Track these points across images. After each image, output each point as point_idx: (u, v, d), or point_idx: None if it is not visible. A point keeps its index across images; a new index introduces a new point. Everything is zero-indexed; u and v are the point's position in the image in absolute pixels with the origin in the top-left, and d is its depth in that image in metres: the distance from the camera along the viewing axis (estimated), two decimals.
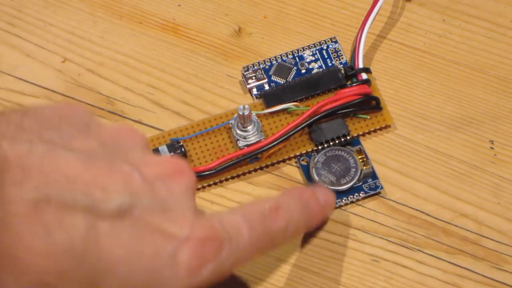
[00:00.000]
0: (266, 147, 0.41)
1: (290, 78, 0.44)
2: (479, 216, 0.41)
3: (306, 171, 0.42)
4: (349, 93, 0.43)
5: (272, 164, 0.43)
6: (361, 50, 0.44)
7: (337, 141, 0.42)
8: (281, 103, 0.43)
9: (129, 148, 0.32)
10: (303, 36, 0.46)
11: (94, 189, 0.28)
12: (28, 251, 0.27)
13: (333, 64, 0.45)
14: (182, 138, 0.43)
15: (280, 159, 0.42)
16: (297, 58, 0.45)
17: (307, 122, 0.42)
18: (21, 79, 0.45)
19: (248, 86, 0.44)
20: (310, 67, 0.45)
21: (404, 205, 0.41)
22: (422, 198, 0.42)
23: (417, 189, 0.42)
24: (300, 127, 0.42)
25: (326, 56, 0.45)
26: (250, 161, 0.42)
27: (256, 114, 0.43)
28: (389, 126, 0.43)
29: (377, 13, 0.44)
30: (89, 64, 0.46)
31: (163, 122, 0.44)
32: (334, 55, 0.45)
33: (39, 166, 0.27)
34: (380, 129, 0.43)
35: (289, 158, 0.42)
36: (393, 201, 0.42)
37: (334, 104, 0.42)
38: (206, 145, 0.43)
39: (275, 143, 0.41)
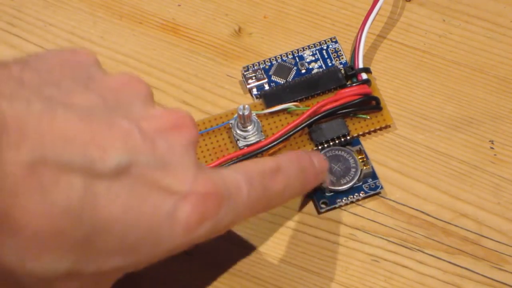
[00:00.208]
0: (266, 147, 0.41)
1: (290, 78, 0.44)
2: (479, 216, 0.41)
3: None
4: (349, 93, 0.43)
5: None
6: (361, 50, 0.44)
7: (337, 141, 0.42)
8: (281, 103, 0.43)
9: (131, 100, 0.31)
10: (303, 36, 0.46)
11: (92, 148, 0.28)
12: (25, 212, 0.27)
13: (333, 64, 0.45)
14: None
15: None
16: (297, 58, 0.45)
17: (307, 122, 0.42)
18: None
19: (248, 86, 0.44)
20: (310, 67, 0.45)
21: (404, 205, 0.41)
22: (422, 198, 0.42)
23: (417, 189, 0.42)
24: (300, 127, 0.42)
25: (326, 56, 0.45)
26: None
27: (256, 114, 0.43)
28: (389, 126, 0.43)
29: (377, 13, 0.44)
30: None
31: None
32: (334, 55, 0.45)
33: (36, 126, 0.27)
34: (380, 129, 0.43)
35: None
36: (393, 201, 0.42)
37: (334, 104, 0.42)
38: (206, 145, 0.43)
39: (275, 143, 0.41)
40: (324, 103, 0.42)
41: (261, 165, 0.35)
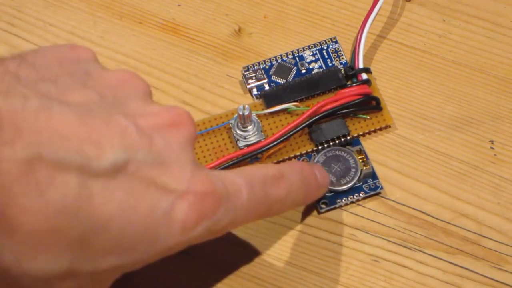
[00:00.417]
0: (266, 147, 0.41)
1: (290, 78, 0.44)
2: (479, 216, 0.41)
3: None
4: (349, 93, 0.43)
5: None
6: (361, 50, 0.44)
7: (337, 141, 0.42)
8: (281, 103, 0.43)
9: (128, 97, 0.31)
10: (303, 36, 0.46)
11: (88, 145, 0.28)
12: (20, 210, 0.26)
13: (333, 64, 0.45)
14: None
15: (280, 159, 0.42)
16: (297, 58, 0.45)
17: (307, 122, 0.42)
18: None
19: (248, 86, 0.44)
20: (310, 67, 0.45)
21: (404, 205, 0.41)
22: (422, 198, 0.42)
23: (417, 189, 0.42)
24: (300, 127, 0.42)
25: (326, 56, 0.45)
26: (250, 161, 0.42)
27: (256, 114, 0.43)
28: (389, 126, 0.43)
29: (377, 13, 0.44)
30: None
31: None
32: (334, 55, 0.45)
33: (32, 123, 0.27)
34: (380, 129, 0.43)
35: (289, 159, 0.42)
36: (393, 201, 0.42)
37: (334, 104, 0.42)
38: (206, 145, 0.43)
39: (275, 143, 0.41)
40: (324, 103, 0.42)
41: (263, 171, 0.34)
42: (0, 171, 0.26)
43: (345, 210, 0.41)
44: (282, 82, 0.44)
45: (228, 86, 0.45)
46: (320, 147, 0.42)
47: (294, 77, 0.44)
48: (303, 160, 0.42)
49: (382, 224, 0.41)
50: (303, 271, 0.40)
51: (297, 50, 0.45)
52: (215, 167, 0.41)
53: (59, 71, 0.30)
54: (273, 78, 0.44)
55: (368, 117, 0.43)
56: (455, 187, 0.42)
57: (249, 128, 0.42)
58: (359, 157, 0.42)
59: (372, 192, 0.41)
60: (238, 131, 0.42)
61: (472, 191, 0.42)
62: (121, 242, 0.29)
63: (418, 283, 0.40)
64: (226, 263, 0.40)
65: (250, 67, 0.45)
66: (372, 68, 0.44)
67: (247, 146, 0.42)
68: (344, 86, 0.44)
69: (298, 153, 0.42)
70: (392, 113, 0.43)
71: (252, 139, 0.42)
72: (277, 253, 0.40)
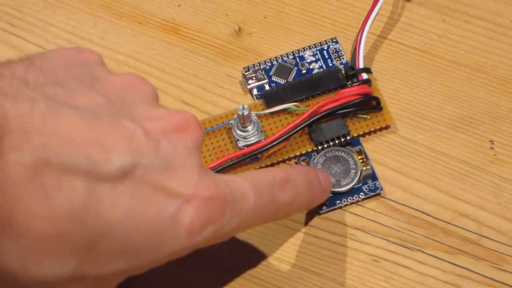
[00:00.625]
0: (266, 147, 0.41)
1: (290, 78, 0.44)
2: (479, 216, 0.41)
3: None
4: (349, 93, 0.43)
5: (272, 165, 0.42)
6: (361, 50, 0.44)
7: (337, 141, 0.42)
8: (281, 103, 0.43)
9: (135, 101, 0.31)
10: (303, 36, 0.46)
11: (95, 150, 0.28)
12: (28, 215, 0.26)
13: (333, 65, 0.45)
14: None
15: (280, 159, 0.42)
16: (297, 59, 0.45)
17: (307, 122, 0.42)
18: None
19: (248, 87, 0.44)
20: (311, 67, 0.45)
21: (404, 205, 0.41)
22: (422, 198, 0.42)
23: (417, 189, 0.42)
24: (300, 127, 0.42)
25: (326, 57, 0.45)
26: (250, 161, 0.42)
27: (256, 114, 0.43)
28: (389, 127, 0.43)
29: (377, 13, 0.44)
30: None
31: None
32: (335, 55, 0.45)
33: (39, 127, 0.27)
34: (380, 129, 0.43)
35: (289, 159, 0.42)
36: (393, 201, 0.42)
37: (334, 104, 0.42)
38: (206, 145, 0.43)
39: (275, 143, 0.41)
40: (324, 103, 0.42)
41: (270, 175, 0.34)
42: (7, 176, 0.26)
43: (345, 210, 0.41)
44: (283, 83, 0.44)
45: (228, 86, 0.45)
46: (320, 147, 0.42)
47: (294, 77, 0.44)
48: (302, 160, 0.42)
49: (382, 224, 0.41)
50: (303, 271, 0.40)
51: (298, 50, 0.45)
52: (215, 167, 0.41)
53: (66, 74, 0.30)
54: (274, 78, 0.44)
55: (368, 117, 0.43)
56: (455, 187, 0.42)
57: (249, 128, 0.42)
58: (359, 157, 0.42)
59: (371, 193, 0.41)
60: (238, 131, 0.42)
61: (472, 191, 0.42)
62: (127, 246, 0.29)
63: (418, 283, 0.40)
64: (226, 263, 0.40)
65: (251, 67, 0.45)
66: (372, 68, 0.44)
67: (247, 146, 0.42)
68: (344, 86, 0.44)
69: (298, 153, 0.42)
70: (392, 113, 0.43)
71: (252, 139, 0.42)
72: (277, 253, 0.40)
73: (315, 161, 0.42)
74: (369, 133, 0.43)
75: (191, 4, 0.47)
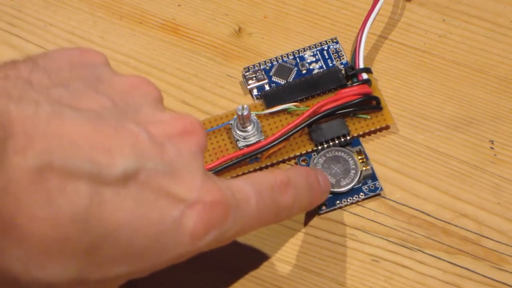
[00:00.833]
0: (266, 147, 0.41)
1: (290, 78, 0.44)
2: (479, 216, 0.41)
3: None
4: (349, 93, 0.43)
5: (272, 165, 0.43)
6: (361, 50, 0.44)
7: (337, 141, 0.42)
8: (281, 104, 0.43)
9: (140, 103, 0.31)
10: (303, 36, 0.46)
11: (99, 153, 0.28)
12: (30, 219, 0.26)
13: (334, 65, 0.45)
14: None
15: (280, 159, 0.42)
16: (297, 59, 0.45)
17: (307, 122, 0.42)
18: None
19: (248, 87, 0.44)
20: (311, 67, 0.45)
21: (404, 205, 0.41)
22: (422, 198, 0.42)
23: (417, 189, 0.42)
24: (300, 127, 0.42)
25: (327, 57, 0.45)
26: (250, 161, 0.42)
27: (256, 114, 0.43)
28: (389, 127, 0.43)
29: (377, 13, 0.44)
30: None
31: None
32: (335, 55, 0.45)
33: (43, 130, 0.27)
34: (381, 129, 0.43)
35: (289, 159, 0.42)
36: (393, 201, 0.42)
37: (334, 104, 0.42)
38: None
39: (274, 143, 0.41)
40: (324, 103, 0.42)
41: (271, 178, 0.34)
42: (10, 179, 0.26)
43: (345, 210, 0.41)
44: (283, 83, 0.44)
45: (228, 86, 0.45)
46: (320, 147, 0.42)
47: (294, 77, 0.44)
48: (302, 160, 0.42)
49: (382, 224, 0.41)
50: (303, 271, 0.40)
51: (298, 50, 0.45)
52: (215, 167, 0.41)
53: (70, 75, 0.30)
54: (274, 78, 0.44)
55: (369, 117, 0.43)
56: (455, 187, 0.42)
57: (249, 128, 0.42)
58: (359, 157, 0.42)
59: (371, 194, 0.41)
60: (238, 132, 0.42)
61: (472, 191, 0.42)
62: (130, 250, 0.29)
63: (418, 283, 0.40)
64: (226, 263, 0.40)
65: (251, 67, 0.45)
66: (372, 68, 0.44)
67: (247, 146, 0.42)
68: (344, 86, 0.44)
69: (298, 153, 0.42)
70: (392, 113, 0.43)
71: (252, 139, 0.42)
72: (278, 253, 0.40)
73: (315, 161, 0.42)
74: (369, 133, 0.43)
75: (191, 4, 0.47)
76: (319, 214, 0.41)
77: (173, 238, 0.30)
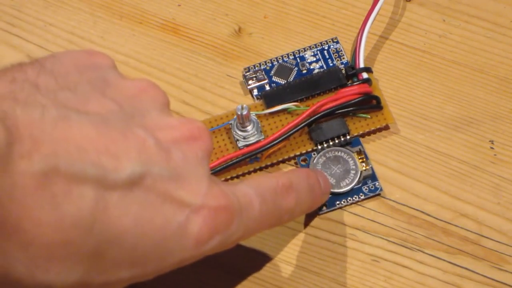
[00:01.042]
0: (265, 147, 0.41)
1: (291, 78, 0.44)
2: (479, 216, 0.41)
3: None
4: (349, 92, 0.43)
5: (272, 165, 0.42)
6: (361, 50, 0.44)
7: (337, 141, 0.42)
8: (282, 104, 0.43)
9: (147, 107, 0.31)
10: (303, 36, 0.46)
11: (105, 157, 0.28)
12: (35, 224, 0.26)
13: (334, 64, 0.45)
14: None
15: (280, 159, 0.42)
16: (298, 59, 0.45)
17: (307, 122, 0.42)
18: None
19: (248, 87, 0.44)
20: (311, 67, 0.45)
21: (404, 205, 0.41)
22: (422, 198, 0.42)
23: (417, 189, 0.42)
24: (299, 127, 0.42)
25: (327, 57, 0.45)
26: (250, 161, 0.42)
27: (256, 114, 0.43)
28: (389, 127, 0.43)
29: (377, 13, 0.44)
30: None
31: None
32: (335, 55, 0.45)
33: (50, 134, 0.27)
34: (380, 129, 0.43)
35: (289, 159, 0.42)
36: (393, 201, 0.42)
37: (334, 103, 0.42)
38: None
39: (274, 142, 0.41)
40: (324, 102, 0.42)
41: (274, 181, 0.35)
42: (15, 184, 0.26)
43: (345, 210, 0.41)
44: (283, 83, 0.44)
45: (228, 86, 0.45)
46: (319, 147, 0.42)
47: (295, 77, 0.44)
48: (302, 160, 0.42)
49: (382, 224, 0.41)
50: (303, 271, 0.40)
51: (298, 50, 0.45)
52: (215, 167, 0.41)
53: (77, 78, 0.30)
54: (274, 78, 0.44)
55: (369, 116, 0.43)
56: (455, 187, 0.42)
57: (249, 128, 0.42)
58: (359, 157, 0.42)
59: (371, 194, 0.41)
60: (238, 131, 0.42)
61: (472, 191, 0.42)
62: (134, 255, 0.29)
63: (418, 283, 0.40)
64: (226, 264, 0.40)
65: (251, 68, 0.45)
66: (372, 68, 0.44)
67: (247, 146, 0.42)
68: (344, 86, 0.44)
69: (298, 153, 0.42)
70: (392, 113, 0.43)
71: (252, 139, 0.42)
72: (278, 253, 0.40)
73: (314, 161, 0.42)
74: (369, 133, 0.43)
75: (191, 4, 0.47)
76: (319, 215, 0.41)
77: (177, 243, 0.30)
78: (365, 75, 0.43)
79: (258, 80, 0.44)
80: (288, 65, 0.45)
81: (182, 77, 0.45)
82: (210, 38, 0.46)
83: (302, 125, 0.42)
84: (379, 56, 0.45)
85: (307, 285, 0.40)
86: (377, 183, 0.41)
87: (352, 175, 0.41)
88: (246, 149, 0.42)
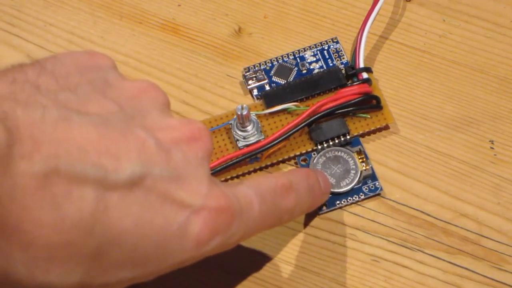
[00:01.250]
0: (265, 147, 0.41)
1: (291, 78, 0.44)
2: (479, 216, 0.41)
3: None
4: (349, 92, 0.43)
5: (272, 165, 0.42)
6: (361, 50, 0.44)
7: (337, 141, 0.42)
8: (282, 103, 0.43)
9: (148, 108, 0.31)
10: (303, 36, 0.46)
11: (106, 158, 0.28)
12: (36, 224, 0.26)
13: (334, 64, 0.45)
14: None
15: (280, 159, 0.42)
16: (298, 59, 0.45)
17: (307, 122, 0.42)
18: None
19: (248, 87, 0.44)
20: (311, 67, 0.45)
21: (404, 205, 0.41)
22: (422, 198, 0.42)
23: (417, 189, 0.42)
24: (299, 127, 0.42)
25: (327, 57, 0.45)
26: (250, 161, 0.42)
27: (256, 114, 0.43)
28: (389, 127, 0.43)
29: (377, 13, 0.44)
30: None
31: None
32: (335, 55, 0.45)
33: (50, 135, 0.27)
34: (380, 129, 0.43)
35: (289, 159, 0.42)
36: (393, 201, 0.42)
37: (334, 103, 0.42)
38: None
39: (274, 142, 0.41)
40: (324, 102, 0.42)
41: (273, 182, 0.35)
42: (16, 185, 0.26)
43: (345, 210, 0.41)
44: (283, 83, 0.44)
45: (228, 86, 0.45)
46: (319, 147, 0.42)
47: (294, 77, 0.44)
48: (302, 160, 0.42)
49: (382, 224, 0.41)
50: (303, 271, 0.40)
51: (298, 50, 0.45)
52: (215, 167, 0.41)
53: (78, 79, 0.30)
54: (274, 78, 0.44)
55: (369, 116, 0.43)
56: (455, 187, 0.42)
57: (249, 128, 0.42)
58: (359, 157, 0.42)
59: (371, 194, 0.41)
60: (238, 131, 0.42)
61: (472, 191, 0.42)
62: (134, 256, 0.29)
63: (418, 283, 0.40)
64: (226, 263, 0.40)
65: (251, 68, 0.45)
66: (372, 68, 0.44)
67: (247, 146, 0.42)
68: (344, 86, 0.44)
69: (298, 153, 0.42)
70: (392, 113, 0.43)
71: (252, 139, 0.42)
72: (278, 253, 0.40)
73: (314, 161, 0.42)
74: (369, 133, 0.43)
75: (191, 4, 0.47)
76: (319, 214, 0.41)
77: (178, 244, 0.30)
78: (365, 75, 0.43)
79: (258, 80, 0.44)
80: (288, 65, 0.45)
81: (182, 77, 0.45)
82: (210, 38, 0.46)
83: (302, 125, 0.42)
84: (379, 56, 0.45)
85: (307, 285, 0.40)
86: (377, 183, 0.41)
87: (352, 175, 0.41)
88: (246, 149, 0.42)
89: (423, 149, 0.43)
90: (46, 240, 0.27)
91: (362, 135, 0.43)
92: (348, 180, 0.41)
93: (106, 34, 0.47)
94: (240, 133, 0.42)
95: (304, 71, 0.45)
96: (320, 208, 0.41)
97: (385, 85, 0.44)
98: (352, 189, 0.41)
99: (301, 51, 0.45)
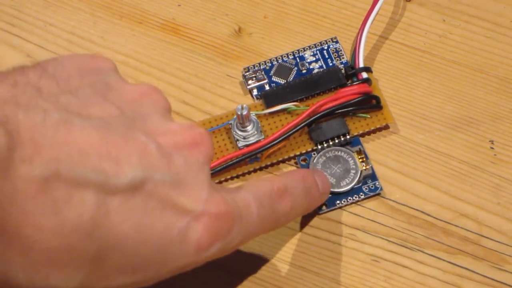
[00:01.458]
0: (265, 147, 0.41)
1: (290, 78, 0.44)
2: (479, 216, 0.41)
3: None
4: (349, 92, 0.43)
5: (272, 165, 0.42)
6: (361, 49, 0.44)
7: (337, 141, 0.42)
8: (281, 103, 0.43)
9: (148, 113, 0.31)
10: (303, 36, 0.46)
11: (107, 162, 0.28)
12: (36, 229, 0.26)
13: (333, 64, 0.45)
14: None
15: (280, 159, 0.42)
16: (297, 59, 0.45)
17: (307, 122, 0.42)
18: None
19: (248, 87, 0.44)
20: (311, 67, 0.45)
21: (404, 205, 0.41)
22: (422, 198, 0.42)
23: (417, 189, 0.42)
24: (299, 127, 0.42)
25: (327, 56, 0.45)
26: (250, 161, 0.42)
27: (256, 114, 0.43)
28: (389, 126, 0.43)
29: (377, 13, 0.44)
30: None
31: None
32: (335, 55, 0.45)
33: (51, 138, 0.27)
34: (380, 129, 0.43)
35: (289, 158, 0.42)
36: (393, 201, 0.42)
37: (334, 103, 0.42)
38: None
39: (274, 142, 0.41)
40: (323, 102, 0.42)
41: (269, 185, 0.35)
42: (16, 188, 0.26)
43: (345, 210, 0.41)
44: (283, 83, 0.44)
45: (228, 86, 0.45)
46: (319, 147, 0.42)
47: (294, 77, 0.44)
48: (302, 160, 0.42)
49: (382, 224, 0.41)
50: (303, 271, 0.40)
51: (298, 50, 0.45)
52: (215, 167, 0.41)
53: (79, 82, 0.30)
54: (274, 78, 0.44)
55: (368, 116, 0.43)
56: (455, 187, 0.42)
57: (249, 128, 0.42)
58: (359, 157, 0.42)
59: (371, 194, 0.41)
60: (238, 131, 0.42)
61: (472, 191, 0.42)
62: (134, 261, 0.29)
63: (418, 283, 0.40)
64: (225, 263, 0.40)
65: (251, 67, 0.45)
66: (372, 68, 0.44)
67: (247, 146, 0.42)
68: (344, 86, 0.44)
69: (298, 153, 0.42)
70: (392, 113, 0.43)
71: (252, 139, 0.42)
72: (277, 253, 0.40)
73: (314, 161, 0.42)
74: (369, 133, 0.43)
75: (191, 4, 0.47)
76: (319, 214, 0.41)
77: (178, 249, 0.30)
78: (364, 75, 0.43)
79: (258, 80, 0.44)
80: (288, 65, 0.45)
81: (182, 77, 0.45)
82: (210, 38, 0.46)
83: (302, 125, 0.42)
84: (379, 56, 0.45)
85: (307, 285, 0.40)
86: (377, 183, 0.41)
87: (352, 174, 0.41)
88: (246, 149, 0.41)
89: (423, 149, 0.43)
90: (46, 245, 0.27)
91: (362, 135, 0.43)
92: (348, 180, 0.41)
93: (106, 34, 0.47)
94: (240, 133, 0.42)
95: (304, 71, 0.45)
96: (320, 208, 0.41)
97: (385, 85, 0.44)
98: (352, 189, 0.41)
99: (301, 51, 0.45)
